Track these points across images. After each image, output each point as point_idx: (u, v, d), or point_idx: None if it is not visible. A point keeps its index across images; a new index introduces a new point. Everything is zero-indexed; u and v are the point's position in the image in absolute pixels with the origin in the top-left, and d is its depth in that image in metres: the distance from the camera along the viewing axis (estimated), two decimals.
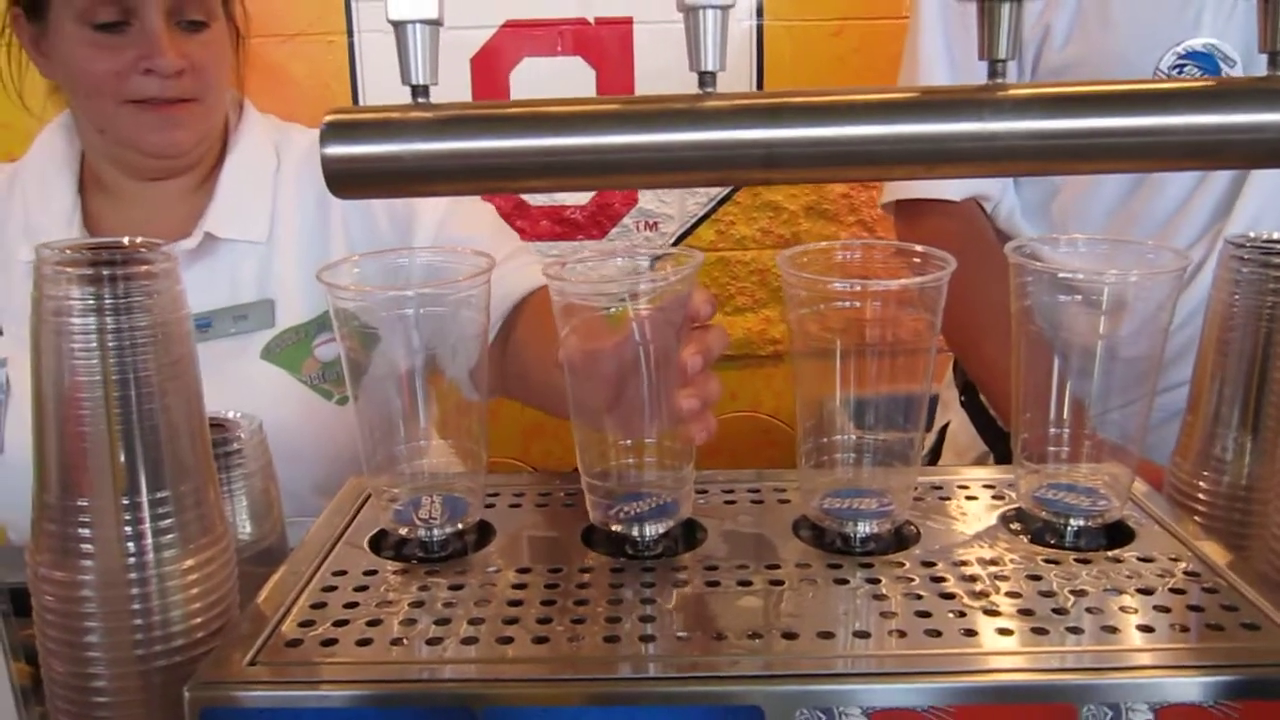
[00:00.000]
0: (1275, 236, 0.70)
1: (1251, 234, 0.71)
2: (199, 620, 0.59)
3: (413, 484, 0.68)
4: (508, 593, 0.60)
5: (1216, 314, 0.72)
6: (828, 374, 0.65)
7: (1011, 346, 0.67)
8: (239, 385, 0.99)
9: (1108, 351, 0.63)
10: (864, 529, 0.65)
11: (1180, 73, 0.99)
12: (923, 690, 0.51)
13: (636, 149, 0.49)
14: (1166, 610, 0.57)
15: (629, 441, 0.66)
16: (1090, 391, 0.65)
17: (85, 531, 0.56)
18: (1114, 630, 0.55)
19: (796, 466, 0.69)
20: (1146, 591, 0.59)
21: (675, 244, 1.94)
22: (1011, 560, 0.63)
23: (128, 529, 0.56)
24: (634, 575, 0.62)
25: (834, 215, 1.93)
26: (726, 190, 1.92)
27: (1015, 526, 0.67)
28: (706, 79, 0.49)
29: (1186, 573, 0.61)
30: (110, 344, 0.54)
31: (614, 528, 0.65)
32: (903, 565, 0.62)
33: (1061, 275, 0.64)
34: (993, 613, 0.57)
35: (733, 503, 0.72)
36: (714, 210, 1.94)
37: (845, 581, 0.61)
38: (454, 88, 1.80)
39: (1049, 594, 0.59)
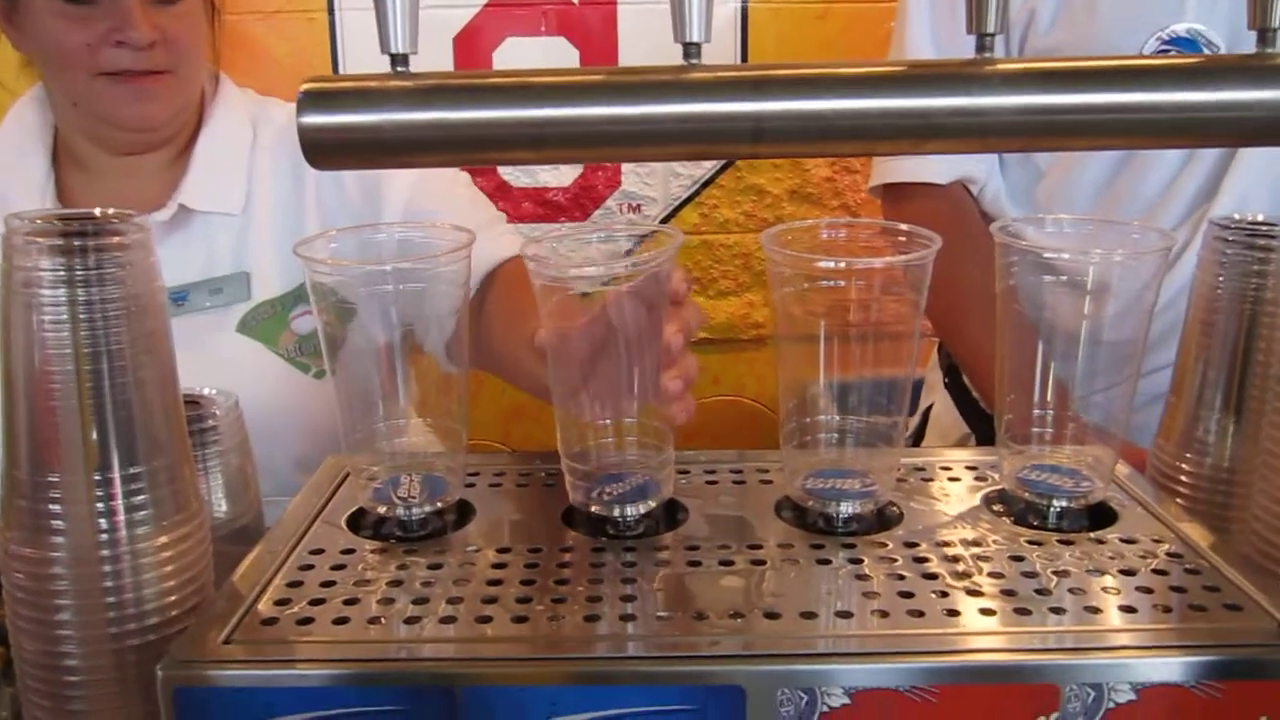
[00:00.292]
0: (1260, 218, 0.70)
1: (1236, 215, 0.71)
2: (173, 598, 0.58)
3: (392, 462, 0.67)
4: (487, 572, 0.60)
5: (1201, 296, 0.72)
6: (811, 354, 0.64)
7: (996, 328, 0.67)
8: (215, 359, 0.98)
9: (1092, 332, 0.63)
10: (847, 509, 0.64)
11: None
12: (905, 670, 0.51)
13: (620, 121, 0.48)
14: (1149, 591, 0.57)
15: (608, 422, 0.65)
16: (1074, 372, 0.65)
17: (56, 508, 0.55)
18: (1097, 611, 0.55)
19: (779, 448, 0.68)
20: (1129, 572, 0.59)
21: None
22: (994, 541, 0.62)
23: (100, 505, 0.55)
24: (615, 555, 0.62)
25: (818, 199, 1.92)
26: (710, 173, 1.92)
27: (998, 508, 0.67)
28: (691, 50, 0.48)
29: (1169, 554, 0.61)
30: (81, 316, 0.53)
31: (594, 509, 0.64)
32: (885, 546, 0.62)
33: (1046, 255, 0.63)
34: (975, 593, 0.57)
35: (715, 483, 0.71)
36: (697, 193, 1.93)
37: (828, 562, 0.60)
38: (436, 67, 1.78)
39: (1032, 575, 0.58)
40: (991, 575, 0.58)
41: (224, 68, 1.13)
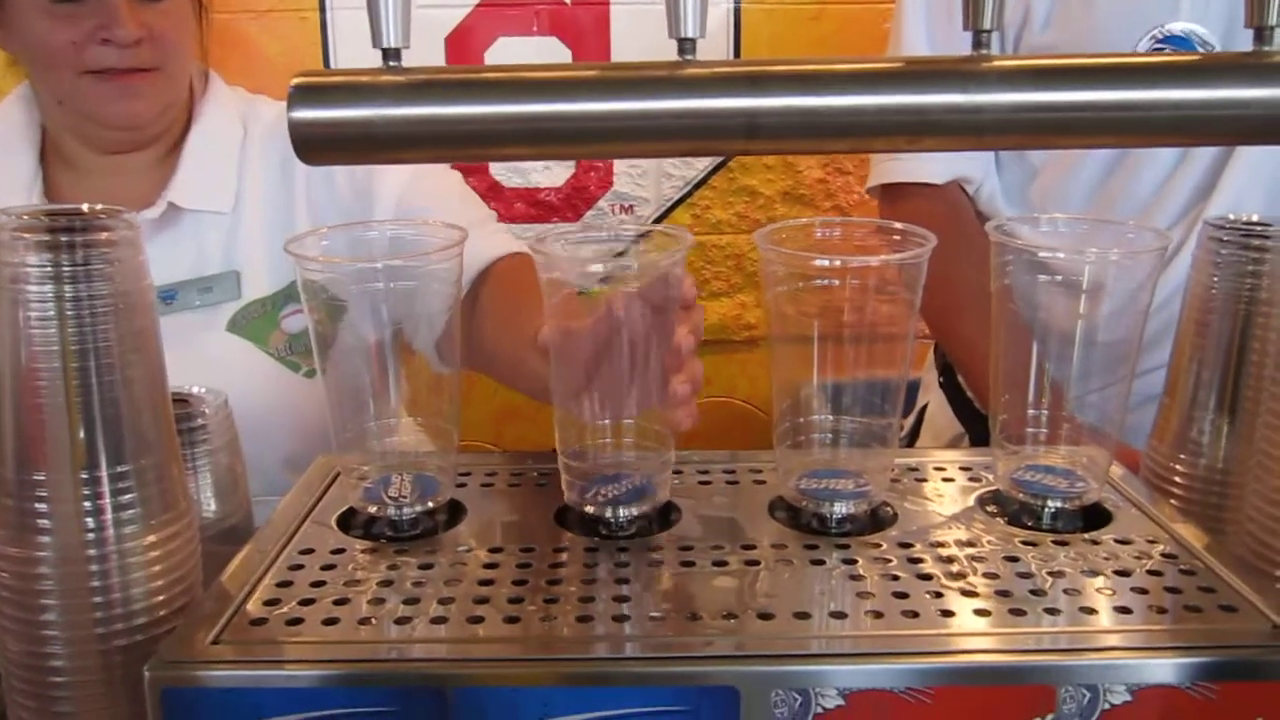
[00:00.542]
0: (1255, 218, 0.70)
1: (1231, 215, 0.70)
2: (161, 598, 0.57)
3: (382, 462, 0.67)
4: (479, 572, 0.59)
5: (1195, 296, 0.72)
6: (805, 353, 0.64)
7: (991, 327, 0.67)
8: (205, 358, 0.98)
9: (1087, 332, 0.63)
10: (840, 510, 0.64)
11: None
12: (900, 671, 0.50)
13: (614, 117, 0.47)
14: (1144, 592, 0.56)
15: (608, 423, 0.65)
16: (1069, 373, 0.65)
17: (43, 507, 0.54)
18: (1092, 612, 0.55)
19: (771, 449, 0.68)
20: (1124, 573, 0.58)
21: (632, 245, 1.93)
22: (989, 542, 0.62)
23: (87, 504, 0.55)
24: (608, 555, 0.61)
25: (810, 200, 1.92)
26: (702, 174, 1.91)
27: (992, 508, 0.67)
28: (686, 46, 0.48)
29: (1164, 555, 0.61)
30: (69, 313, 0.52)
31: (588, 509, 0.64)
32: (879, 546, 0.62)
33: (1041, 255, 0.63)
34: (970, 594, 0.56)
35: (708, 483, 0.71)
36: (689, 194, 1.93)
37: (821, 562, 0.60)
38: None
39: (1026, 575, 0.58)
40: (986, 576, 0.58)
41: (215, 67, 1.12)
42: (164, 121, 1.02)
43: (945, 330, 1.12)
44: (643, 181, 1.92)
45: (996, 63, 0.47)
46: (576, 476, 0.65)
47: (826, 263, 0.60)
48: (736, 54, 1.83)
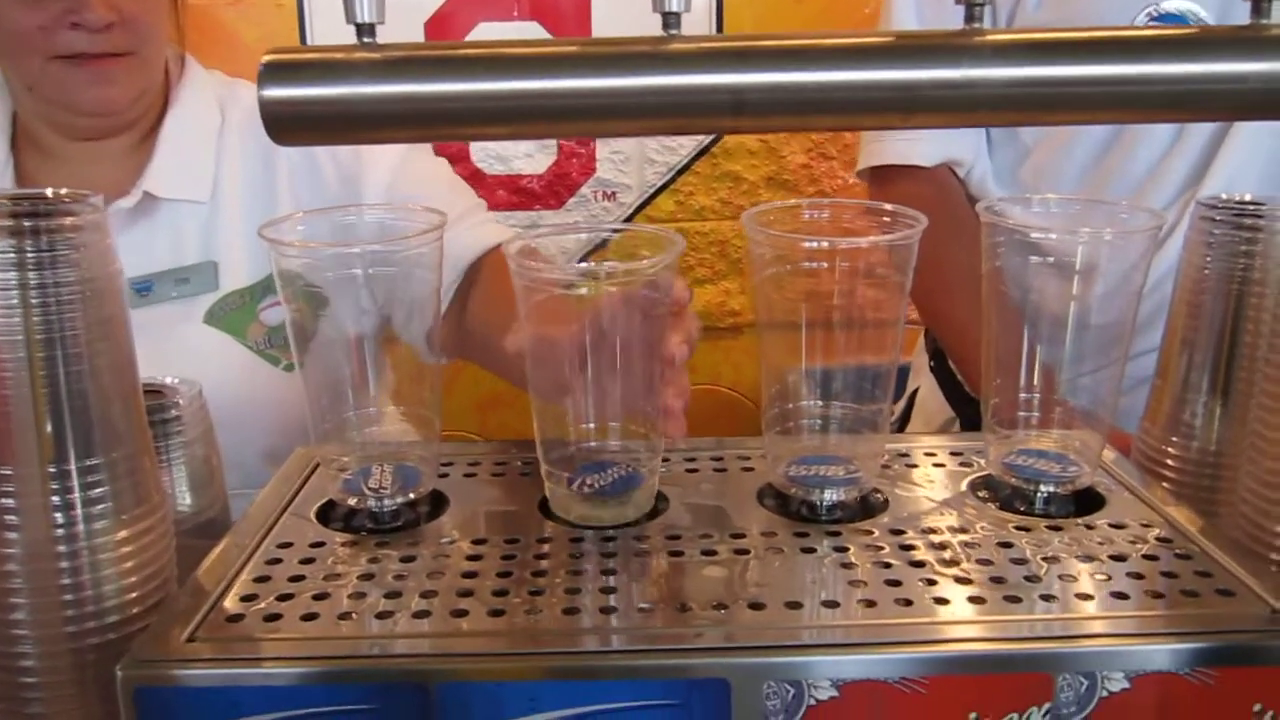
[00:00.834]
0: (1248, 198, 0.69)
1: (1224, 195, 0.69)
2: (134, 595, 0.55)
3: (362, 452, 0.65)
4: (462, 564, 0.58)
5: (1187, 277, 0.71)
6: (793, 337, 0.63)
7: (982, 310, 0.66)
8: (181, 351, 0.95)
9: (1080, 314, 0.62)
10: (830, 496, 0.63)
11: None
12: (894, 661, 0.49)
13: (596, 94, 0.46)
14: (1140, 577, 0.56)
15: (591, 426, 0.63)
16: (1062, 356, 0.63)
17: (9, 502, 0.53)
18: (1088, 597, 0.54)
19: (758, 436, 0.67)
20: (1119, 558, 0.57)
21: (634, 214, 1.92)
22: (981, 528, 0.61)
23: (55, 499, 0.53)
24: (594, 545, 0.60)
25: (794, 185, 1.91)
26: (685, 159, 1.90)
27: (984, 494, 0.66)
28: (670, 20, 0.46)
29: (1159, 539, 0.60)
30: (34, 301, 0.50)
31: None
32: (871, 534, 0.60)
33: (1033, 235, 0.62)
34: (964, 581, 0.55)
35: (695, 471, 0.70)
36: (673, 180, 1.91)
37: (812, 550, 0.59)
38: None
39: (1020, 561, 0.57)
40: (980, 562, 0.57)
41: (191, 53, 1.09)
42: (139, 107, 1.00)
43: (935, 314, 1.11)
44: (625, 168, 1.90)
45: (990, 37, 0.46)
46: (556, 467, 0.63)
47: (815, 245, 0.59)
48: None
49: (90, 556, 0.54)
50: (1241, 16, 0.46)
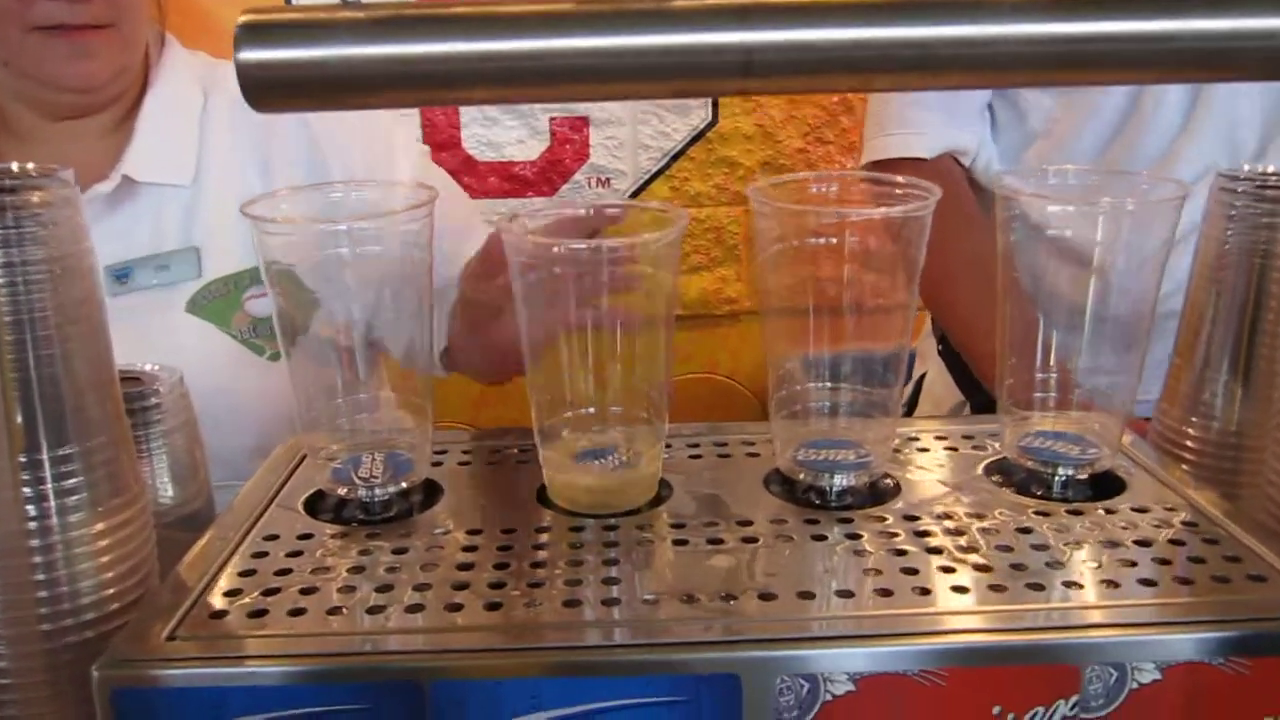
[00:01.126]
0: (1270, 169, 0.66)
1: (1246, 167, 0.67)
2: (112, 591, 0.53)
3: (352, 440, 0.62)
4: (457, 556, 0.55)
5: (1207, 252, 0.68)
6: (801, 316, 0.60)
7: (997, 288, 0.63)
8: (163, 340, 0.92)
9: (1101, 289, 0.59)
10: (841, 481, 0.60)
11: None
12: (913, 653, 0.47)
13: (595, 54, 0.43)
14: (1167, 563, 0.53)
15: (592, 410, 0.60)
16: (1081, 333, 0.61)
17: None
18: (1114, 585, 0.51)
19: (765, 419, 0.64)
20: (1144, 543, 0.55)
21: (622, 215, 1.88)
22: (999, 513, 0.58)
23: (27, 490, 0.50)
24: (595, 535, 0.57)
25: (790, 171, 1.88)
26: (680, 145, 1.87)
27: (999, 478, 0.63)
28: None
29: (1184, 523, 0.57)
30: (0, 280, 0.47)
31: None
32: (884, 520, 0.58)
33: (1052, 207, 0.60)
34: (983, 568, 0.53)
35: (698, 457, 0.67)
36: (667, 166, 1.89)
37: (823, 538, 0.56)
38: None
39: (1041, 547, 0.55)
40: (999, 549, 0.54)
41: (172, 34, 1.06)
42: (119, 84, 0.96)
43: (940, 305, 1.09)
44: (619, 154, 1.87)
45: None
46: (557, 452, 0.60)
47: (824, 217, 0.56)
48: None
49: (65, 551, 0.51)
50: None
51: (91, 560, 0.52)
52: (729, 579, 0.52)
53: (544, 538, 0.57)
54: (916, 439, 0.69)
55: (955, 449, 0.67)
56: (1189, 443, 0.69)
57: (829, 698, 0.46)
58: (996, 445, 0.67)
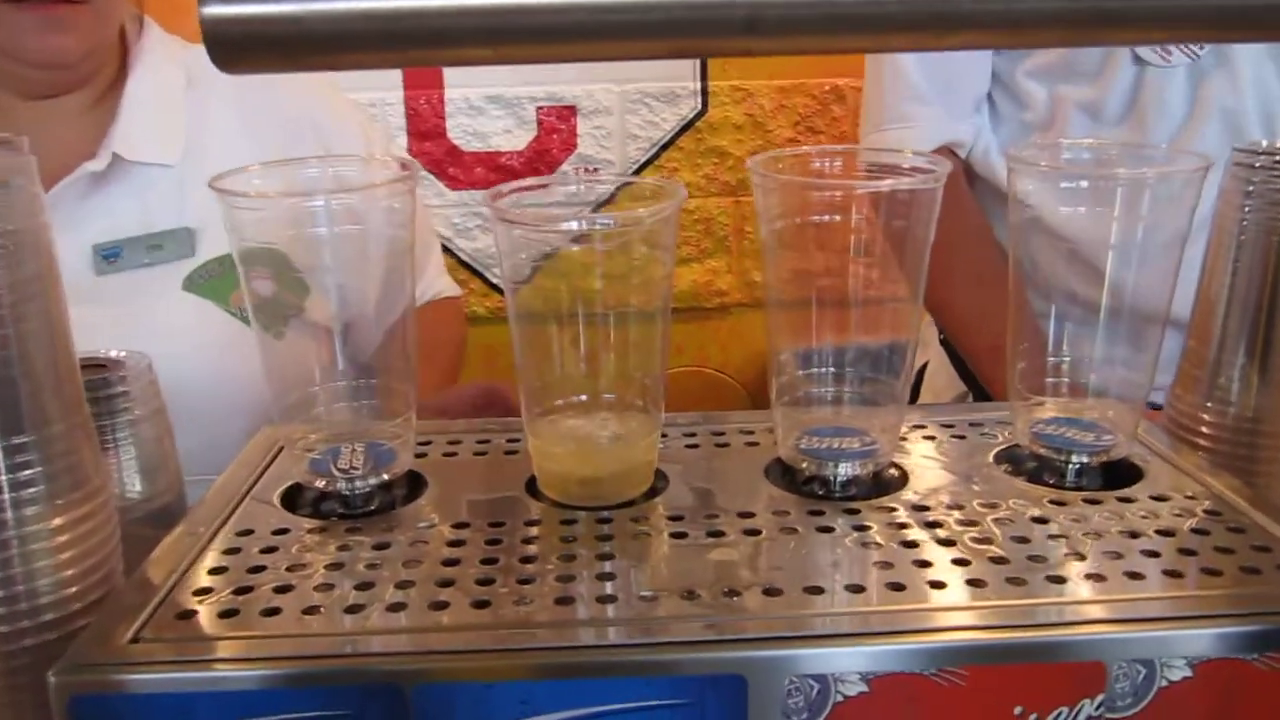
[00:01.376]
0: None
1: (1264, 143, 0.64)
2: (72, 590, 0.49)
3: (331, 430, 0.59)
4: (442, 551, 0.52)
5: (1223, 231, 0.65)
6: (805, 298, 0.57)
7: (1009, 266, 0.60)
8: (158, 319, 0.89)
9: (1118, 266, 0.57)
10: (845, 471, 0.57)
11: None
12: (930, 651, 0.44)
13: (588, 9, 0.40)
14: (1193, 553, 0.50)
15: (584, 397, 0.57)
16: (1098, 314, 0.58)
17: None
18: (1138, 577, 0.48)
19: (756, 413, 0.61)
20: (1167, 533, 0.52)
21: (617, 191, 1.86)
22: (1013, 503, 0.56)
23: None
24: (588, 528, 0.54)
25: None
26: (669, 135, 1.84)
27: (1010, 466, 0.60)
28: None
29: (1206, 512, 0.55)
30: None
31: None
32: (893, 511, 0.55)
33: (1067, 182, 0.57)
34: (1000, 560, 0.50)
35: (695, 446, 0.64)
36: (656, 156, 1.86)
37: (830, 530, 0.53)
38: None
39: (1059, 537, 0.52)
40: (1016, 540, 0.52)
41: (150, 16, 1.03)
42: (93, 62, 0.93)
43: (937, 303, 1.07)
44: (607, 143, 1.84)
45: None
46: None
47: (829, 190, 0.53)
48: None
49: (21, 547, 0.48)
50: None
51: (50, 557, 0.48)
52: (731, 574, 0.49)
53: (534, 531, 0.54)
54: (922, 426, 0.66)
55: (963, 437, 0.65)
56: (1204, 429, 0.66)
57: (840, 699, 0.44)
58: (1006, 433, 0.64)
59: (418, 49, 0.42)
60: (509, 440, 0.65)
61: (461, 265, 1.86)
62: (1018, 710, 0.44)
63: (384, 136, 1.02)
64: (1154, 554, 0.50)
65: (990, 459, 0.61)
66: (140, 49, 0.97)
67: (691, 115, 1.85)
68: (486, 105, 1.81)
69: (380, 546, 0.53)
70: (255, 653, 0.45)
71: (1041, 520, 0.54)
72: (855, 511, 0.55)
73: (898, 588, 0.48)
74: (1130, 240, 0.56)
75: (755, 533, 0.53)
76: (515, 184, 0.56)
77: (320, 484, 0.57)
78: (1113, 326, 0.58)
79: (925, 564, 0.50)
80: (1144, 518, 0.54)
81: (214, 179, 0.53)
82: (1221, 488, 0.57)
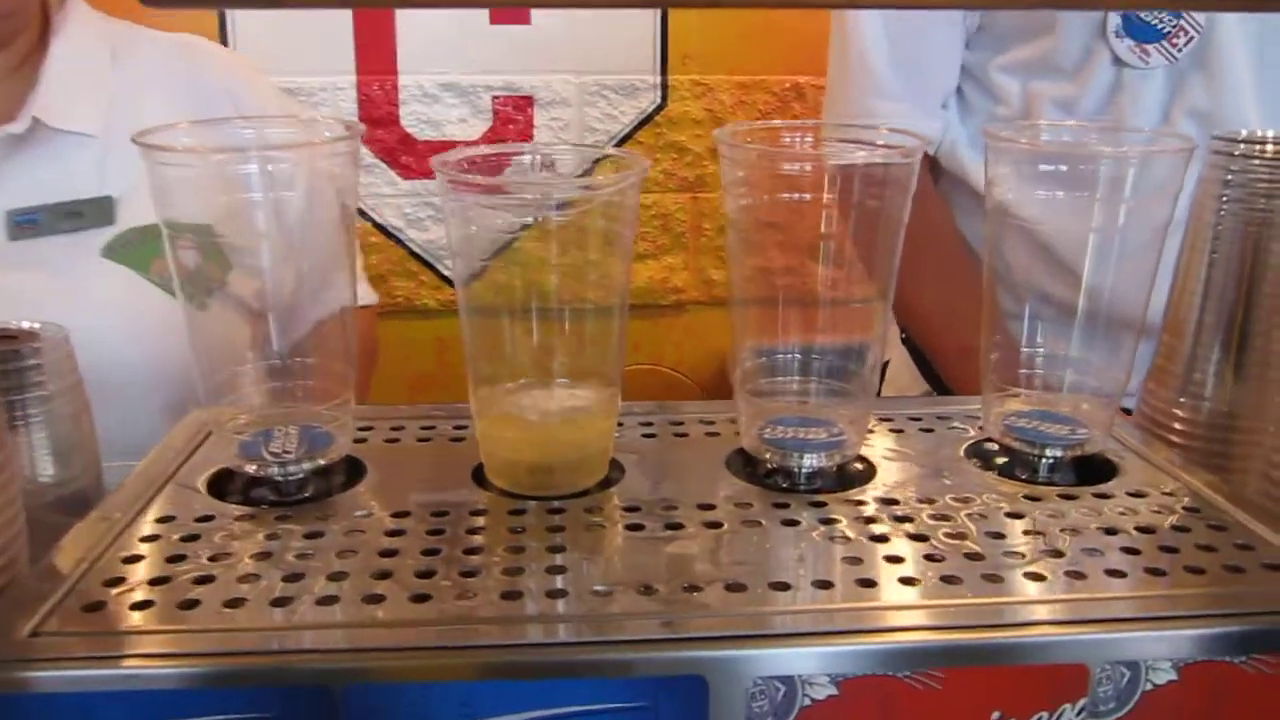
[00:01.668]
0: (1270, 134, 0.62)
1: (1244, 132, 0.62)
2: None
3: (262, 411, 0.55)
4: (380, 541, 0.48)
5: (1200, 222, 0.63)
6: (770, 281, 0.54)
7: (985, 253, 0.58)
8: (77, 286, 0.85)
9: (1098, 251, 0.54)
10: (811, 462, 0.54)
11: None
12: (905, 652, 0.41)
13: None
14: (1174, 550, 0.48)
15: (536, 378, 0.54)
16: (1075, 302, 0.56)
17: None
18: (1120, 575, 0.46)
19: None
20: (1147, 530, 0.50)
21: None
22: (987, 497, 0.53)
23: None
24: (538, 518, 0.51)
25: None
26: (627, 129, 1.81)
27: (981, 460, 0.58)
28: None
29: (1186, 509, 0.52)
30: None
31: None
32: (861, 504, 0.52)
33: (1045, 164, 0.54)
34: (975, 557, 0.47)
35: (652, 436, 0.61)
36: None
37: (795, 523, 0.50)
38: None
39: (1036, 534, 0.49)
40: (991, 535, 0.49)
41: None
42: (12, 24, 0.88)
43: (900, 303, 1.04)
44: (564, 135, 1.81)
45: None
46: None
47: (798, 164, 0.50)
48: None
49: None
50: None
51: None
52: (691, 568, 0.46)
53: (480, 521, 0.50)
54: (889, 420, 0.63)
55: (931, 430, 0.62)
56: (1178, 425, 0.64)
57: (808, 702, 0.40)
58: (976, 427, 0.62)
59: None
60: (456, 427, 0.62)
61: (413, 256, 1.82)
62: (996, 715, 0.41)
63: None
64: (1134, 551, 0.48)
65: (961, 453, 0.59)
66: (63, 17, 0.94)
67: (651, 109, 1.82)
68: (441, 93, 1.76)
69: (313, 535, 0.49)
70: (170, 648, 0.41)
71: (1016, 515, 0.51)
72: (822, 504, 0.52)
73: (868, 584, 0.45)
74: (1111, 222, 0.53)
75: (716, 525, 0.50)
76: (468, 151, 0.52)
77: (250, 469, 0.53)
78: (1090, 316, 0.56)
79: (897, 559, 0.47)
80: (1122, 514, 0.51)
81: (138, 134, 0.48)
82: (1199, 484, 0.55)
